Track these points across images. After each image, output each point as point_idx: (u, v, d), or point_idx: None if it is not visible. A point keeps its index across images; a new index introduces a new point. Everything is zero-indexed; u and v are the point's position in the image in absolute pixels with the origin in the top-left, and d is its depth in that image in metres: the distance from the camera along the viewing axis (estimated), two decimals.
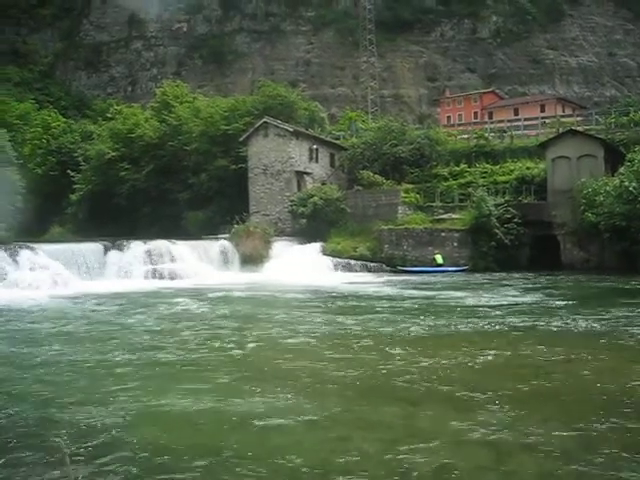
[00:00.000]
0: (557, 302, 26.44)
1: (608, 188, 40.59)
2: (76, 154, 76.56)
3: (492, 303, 26.45)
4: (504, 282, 36.08)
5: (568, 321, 20.73)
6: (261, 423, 10.57)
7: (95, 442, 9.62)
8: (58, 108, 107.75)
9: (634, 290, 31.55)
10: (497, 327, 19.97)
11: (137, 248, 42.20)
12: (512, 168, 53.26)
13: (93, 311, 25.80)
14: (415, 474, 8.43)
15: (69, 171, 74.41)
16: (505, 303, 26.14)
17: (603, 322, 20.34)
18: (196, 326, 21.16)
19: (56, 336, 19.52)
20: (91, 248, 40.81)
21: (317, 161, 58.15)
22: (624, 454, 8.90)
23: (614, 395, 11.97)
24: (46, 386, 13.32)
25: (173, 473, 8.53)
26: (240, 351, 16.80)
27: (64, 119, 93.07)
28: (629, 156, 43.22)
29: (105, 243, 41.87)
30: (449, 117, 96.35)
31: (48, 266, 35.89)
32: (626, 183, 39.62)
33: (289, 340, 18.50)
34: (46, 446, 9.44)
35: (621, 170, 42.27)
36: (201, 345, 17.67)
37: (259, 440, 9.81)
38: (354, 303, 27.89)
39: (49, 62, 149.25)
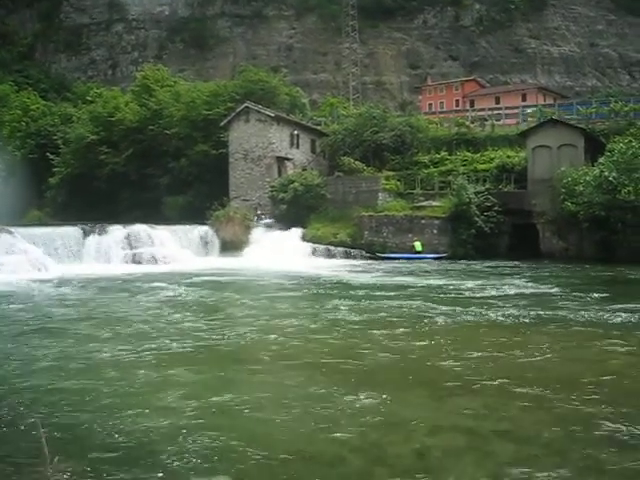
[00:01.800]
0: (543, 288, 26.76)
1: (588, 178, 40.74)
2: (56, 137, 75.94)
3: (475, 289, 26.63)
4: (488, 270, 36.32)
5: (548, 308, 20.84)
6: (241, 410, 10.56)
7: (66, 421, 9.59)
8: (37, 90, 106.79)
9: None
10: (473, 313, 20.05)
11: (116, 232, 42.07)
12: (493, 156, 53.38)
13: (70, 295, 25.65)
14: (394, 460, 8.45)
15: (48, 154, 73.92)
16: (507, 293, 26.06)
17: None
18: (174, 311, 21.07)
19: (27, 321, 19.40)
20: (70, 232, 40.62)
21: (298, 147, 58.05)
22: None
23: None
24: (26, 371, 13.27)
25: (160, 460, 8.49)
26: (218, 337, 16.73)
27: (44, 102, 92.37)
28: (609, 146, 43.43)
29: (84, 227, 41.70)
30: (430, 104, 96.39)
31: (26, 250, 35.68)
32: (606, 173, 39.79)
33: (266, 327, 18.49)
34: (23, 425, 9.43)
35: (601, 160, 42.41)
36: (174, 330, 17.61)
37: (239, 427, 9.78)
38: (332, 290, 27.76)
39: (28, 43, 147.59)
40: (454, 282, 29.51)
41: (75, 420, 9.88)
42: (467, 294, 25.19)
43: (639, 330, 17.44)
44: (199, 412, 10.29)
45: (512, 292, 25.65)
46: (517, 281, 29.60)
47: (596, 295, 23.92)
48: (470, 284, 28.35)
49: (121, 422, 9.78)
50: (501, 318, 19.13)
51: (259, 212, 52.20)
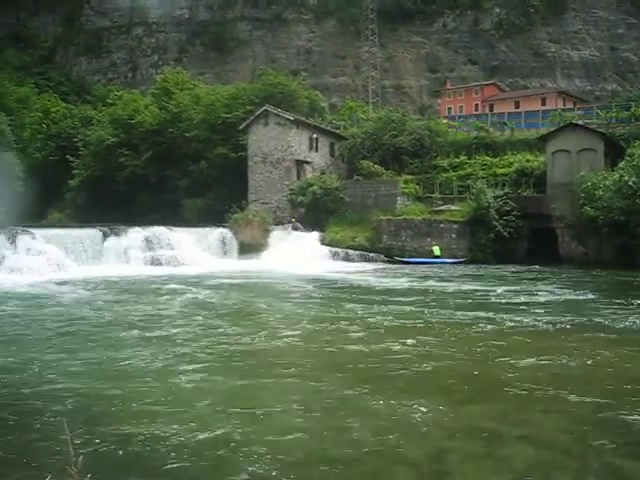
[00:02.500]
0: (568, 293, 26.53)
1: (607, 182, 40.51)
2: (76, 139, 76.43)
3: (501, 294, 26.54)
4: (515, 276, 35.94)
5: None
6: (261, 410, 10.61)
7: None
8: (58, 93, 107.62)
9: None
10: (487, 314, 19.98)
11: (135, 234, 42.22)
12: (512, 160, 53.19)
13: (92, 297, 25.76)
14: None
15: (68, 156, 74.39)
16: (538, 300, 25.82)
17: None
18: (199, 315, 21.12)
19: (51, 324, 19.52)
20: (89, 234, 40.82)
21: (317, 150, 58.06)
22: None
23: None
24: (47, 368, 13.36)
25: (171, 460, 8.55)
26: (237, 340, 16.78)
27: (64, 104, 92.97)
28: (629, 151, 43.20)
29: (103, 229, 41.87)
30: (450, 108, 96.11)
31: (46, 251, 35.91)
32: (626, 178, 39.55)
33: (287, 330, 18.52)
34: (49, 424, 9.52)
35: (621, 165, 42.17)
36: (193, 334, 17.67)
37: (259, 427, 9.82)
38: (352, 294, 27.76)
39: (49, 47, 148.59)
40: (483, 288, 29.04)
41: (105, 427, 9.97)
42: (500, 300, 24.83)
43: None
44: (232, 420, 10.32)
45: (546, 298, 25.16)
46: (547, 287, 29.11)
47: (633, 302, 23.53)
48: (500, 290, 27.85)
49: (148, 427, 9.86)
50: (542, 325, 18.83)
51: (292, 218, 51.32)
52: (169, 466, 8.30)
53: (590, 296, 25.72)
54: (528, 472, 8.20)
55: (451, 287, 29.75)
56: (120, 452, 8.72)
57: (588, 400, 11.18)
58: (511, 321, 19.22)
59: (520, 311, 21.21)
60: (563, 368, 13.51)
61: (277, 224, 51.44)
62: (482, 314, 20.44)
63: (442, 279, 33.41)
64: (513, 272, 37.75)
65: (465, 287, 29.60)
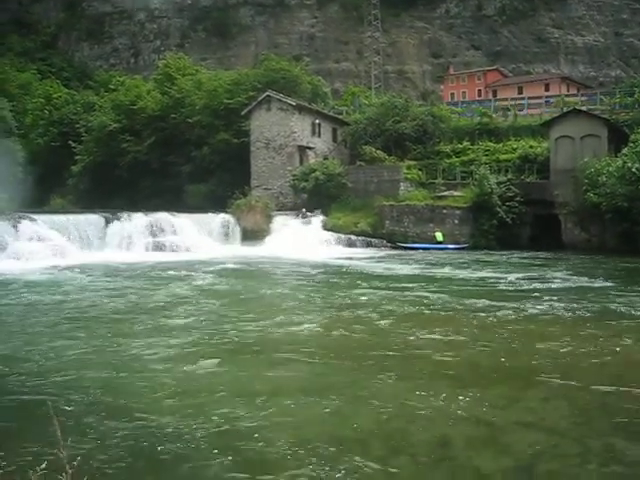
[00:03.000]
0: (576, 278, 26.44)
1: (611, 169, 40.38)
2: (78, 125, 76.43)
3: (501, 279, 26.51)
4: (524, 262, 35.60)
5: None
6: (269, 396, 10.62)
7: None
8: (60, 79, 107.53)
9: None
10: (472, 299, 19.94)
11: (138, 220, 42.20)
12: (515, 146, 53.07)
13: (95, 283, 25.75)
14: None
15: (71, 142, 74.37)
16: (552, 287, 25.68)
17: None
18: (197, 300, 21.14)
19: (54, 310, 19.53)
20: (92, 219, 40.81)
21: (319, 136, 57.97)
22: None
23: None
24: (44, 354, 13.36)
25: (176, 447, 8.56)
26: (245, 327, 16.75)
27: (66, 90, 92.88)
28: (633, 137, 43.05)
29: (106, 215, 41.85)
30: (453, 94, 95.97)
31: (48, 237, 35.91)
32: (629, 164, 39.41)
33: (295, 317, 18.52)
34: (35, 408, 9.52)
35: (624, 151, 42.04)
36: (200, 321, 17.66)
37: (252, 410, 9.83)
38: (359, 280, 27.69)
39: (51, 32, 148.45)
40: (494, 275, 28.64)
41: (101, 418, 9.97)
42: (513, 287, 24.44)
43: None
44: (241, 405, 10.37)
45: (560, 285, 24.82)
46: (559, 274, 28.73)
47: None
48: (511, 277, 27.36)
49: (153, 415, 9.88)
50: (560, 312, 18.55)
51: (303, 209, 50.28)
52: (167, 453, 8.30)
53: (605, 283, 25.32)
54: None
55: (462, 274, 29.40)
56: (124, 443, 8.73)
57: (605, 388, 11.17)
58: (525, 309, 18.94)
59: (534, 298, 20.90)
60: (576, 355, 13.44)
61: (280, 210, 51.42)
62: (495, 302, 20.11)
63: (451, 266, 32.99)
64: (521, 258, 37.52)
65: (477, 274, 29.26)
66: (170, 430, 8.98)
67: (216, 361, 12.90)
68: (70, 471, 4.18)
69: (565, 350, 13.82)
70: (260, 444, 8.52)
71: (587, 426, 9.38)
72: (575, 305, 19.48)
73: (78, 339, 15.01)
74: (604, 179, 40.14)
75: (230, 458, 8.08)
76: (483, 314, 18.19)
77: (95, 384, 11.32)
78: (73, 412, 9.74)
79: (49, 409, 4.42)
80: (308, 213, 49.21)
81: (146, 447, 8.45)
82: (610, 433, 9.02)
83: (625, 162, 39.89)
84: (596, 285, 24.93)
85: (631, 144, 41.85)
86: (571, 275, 28.17)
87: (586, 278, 26.99)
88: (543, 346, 14.15)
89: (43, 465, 4.41)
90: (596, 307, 19.28)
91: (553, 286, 24.57)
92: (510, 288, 24.19)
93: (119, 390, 11.01)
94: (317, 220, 48.00)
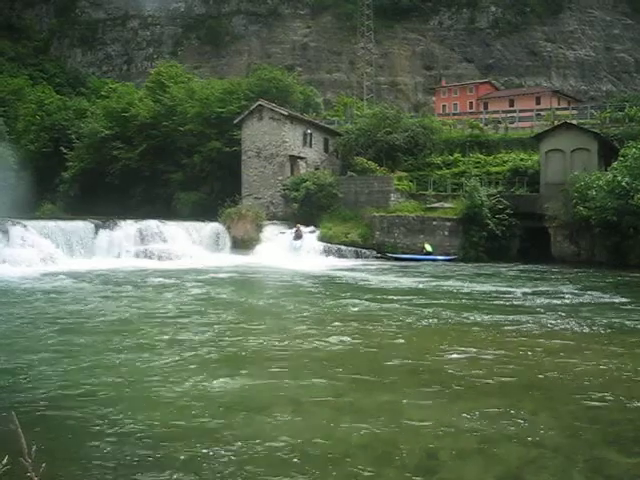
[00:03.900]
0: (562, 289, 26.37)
1: (601, 182, 40.53)
2: (69, 132, 76.26)
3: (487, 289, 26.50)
4: (523, 276, 35.12)
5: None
6: (249, 405, 10.62)
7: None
8: (52, 85, 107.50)
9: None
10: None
11: (128, 227, 42.23)
12: (506, 159, 53.36)
13: (79, 290, 25.67)
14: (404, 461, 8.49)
15: (62, 148, 74.21)
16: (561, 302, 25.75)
17: None
18: (186, 309, 21.11)
19: (41, 318, 19.49)
20: (82, 226, 40.77)
21: (311, 146, 58.03)
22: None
23: None
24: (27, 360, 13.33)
25: (153, 452, 8.55)
26: (226, 335, 16.74)
27: (58, 96, 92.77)
28: (623, 151, 43.24)
29: (96, 222, 41.84)
30: (444, 106, 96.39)
31: (38, 243, 35.88)
32: (619, 178, 39.57)
33: (281, 325, 18.54)
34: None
35: (614, 165, 42.26)
36: (189, 331, 17.64)
37: (246, 422, 9.83)
38: (352, 292, 27.68)
39: (44, 38, 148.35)
40: (499, 288, 27.85)
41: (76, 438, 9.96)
42: (522, 302, 23.51)
43: None
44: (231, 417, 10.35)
45: (570, 300, 24.01)
46: (564, 287, 28.24)
47: None
48: (518, 291, 26.58)
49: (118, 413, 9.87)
50: (577, 328, 18.13)
51: (300, 227, 48.28)
52: (151, 463, 8.30)
53: (618, 299, 24.58)
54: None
55: (463, 287, 28.69)
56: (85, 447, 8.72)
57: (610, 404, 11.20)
58: (543, 323, 18.66)
59: (549, 313, 20.55)
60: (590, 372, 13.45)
61: (270, 219, 51.43)
62: (512, 316, 19.78)
63: (453, 279, 32.52)
64: (520, 272, 37.12)
65: (482, 288, 28.32)
66: (142, 432, 8.99)
67: (200, 374, 12.76)
68: (36, 478, 4.17)
69: (570, 364, 13.80)
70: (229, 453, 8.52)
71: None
72: (593, 320, 19.21)
73: (69, 350, 14.90)
74: (594, 193, 40.28)
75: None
76: (506, 328, 17.92)
77: (68, 388, 11.32)
78: (48, 420, 9.73)
79: (13, 418, 4.41)
80: (302, 228, 48.10)
81: (120, 454, 8.45)
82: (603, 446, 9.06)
83: (615, 176, 40.05)
84: (609, 300, 24.32)
85: (621, 158, 42.04)
86: (580, 290, 27.43)
87: (597, 293, 26.36)
88: (550, 359, 14.21)
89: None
90: (615, 322, 18.99)
91: (566, 301, 23.89)
92: (523, 303, 23.33)
93: (100, 398, 11.00)
94: (312, 236, 47.82)
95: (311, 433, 9.39)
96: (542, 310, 21.18)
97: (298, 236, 46.93)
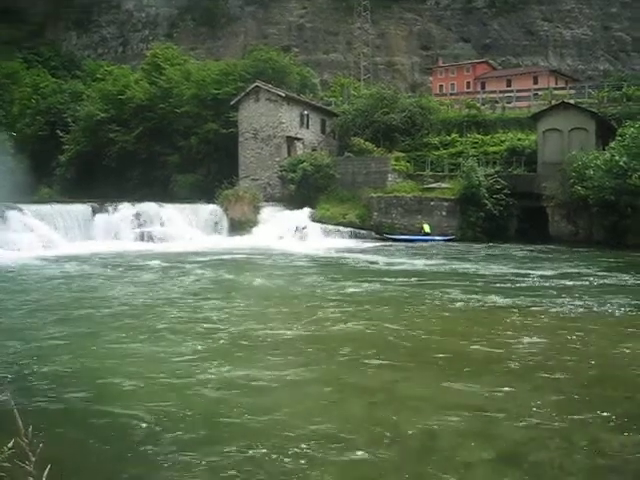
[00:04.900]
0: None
1: (598, 162, 40.49)
2: (65, 115, 75.99)
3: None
4: (533, 256, 34.90)
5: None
6: (250, 385, 10.65)
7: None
8: (48, 68, 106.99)
9: None
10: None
11: (126, 210, 42.20)
12: (503, 139, 53.23)
13: (79, 273, 25.68)
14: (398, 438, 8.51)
15: (58, 132, 73.99)
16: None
17: None
18: (191, 293, 21.13)
19: (39, 303, 19.48)
20: (79, 210, 40.75)
21: (308, 127, 57.86)
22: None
23: None
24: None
25: (150, 430, 8.58)
26: (224, 317, 16.75)
27: (53, 79, 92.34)
28: (620, 130, 43.16)
29: (93, 205, 41.81)
30: (441, 86, 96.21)
31: (36, 227, 35.86)
32: (616, 157, 39.54)
33: (275, 304, 18.57)
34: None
35: (612, 144, 42.21)
36: (179, 310, 17.69)
37: (245, 402, 9.85)
38: (352, 274, 27.70)
39: (39, 21, 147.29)
40: (516, 270, 27.20)
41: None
42: (550, 283, 23.01)
43: None
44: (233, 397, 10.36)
45: (596, 282, 23.51)
46: (586, 270, 27.49)
47: None
48: (537, 273, 25.97)
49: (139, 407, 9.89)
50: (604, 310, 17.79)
51: (303, 226, 46.42)
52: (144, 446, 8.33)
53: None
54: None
55: (473, 268, 28.36)
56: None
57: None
58: (577, 306, 18.33)
59: (577, 295, 20.11)
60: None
61: (267, 201, 51.36)
62: (545, 300, 19.27)
63: (461, 260, 32.27)
64: (528, 251, 36.99)
65: (496, 270, 27.72)
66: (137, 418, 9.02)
67: (229, 361, 12.60)
68: (34, 459, 4.18)
69: (579, 346, 13.83)
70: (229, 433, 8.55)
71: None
72: (617, 302, 18.84)
73: (62, 334, 14.89)
74: (591, 172, 40.24)
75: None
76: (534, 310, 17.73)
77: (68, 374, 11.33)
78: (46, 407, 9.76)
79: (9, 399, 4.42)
80: (307, 230, 45.93)
81: (114, 437, 8.47)
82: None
83: (613, 155, 40.03)
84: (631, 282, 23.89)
85: (619, 137, 42.00)
86: (598, 271, 26.97)
87: (616, 274, 25.94)
88: (558, 339, 14.25)
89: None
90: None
91: (588, 283, 23.28)
92: (543, 284, 22.92)
93: (99, 382, 11.03)
94: (304, 212, 47.63)
95: (309, 413, 9.42)
96: (560, 292, 20.75)
97: (303, 236, 45.30)
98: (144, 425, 8.86)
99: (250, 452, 8.04)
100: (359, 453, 7.98)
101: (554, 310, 17.68)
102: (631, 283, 23.52)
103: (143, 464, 7.78)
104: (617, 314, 17.31)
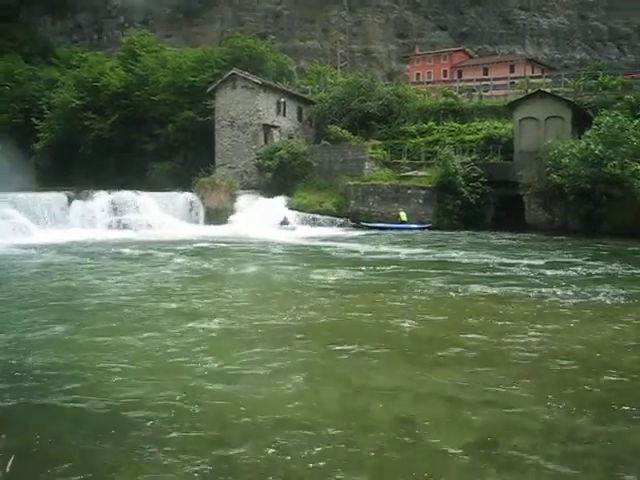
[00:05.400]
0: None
1: (574, 150, 40.71)
2: (40, 102, 75.26)
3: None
4: (516, 244, 34.90)
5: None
6: (224, 374, 10.61)
7: None
8: (21, 54, 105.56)
9: None
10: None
11: (101, 198, 42.02)
12: (480, 127, 53.38)
13: (55, 262, 25.52)
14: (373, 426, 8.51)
15: (33, 119, 73.26)
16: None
17: None
18: (157, 279, 21.04)
19: (17, 291, 19.33)
20: (55, 198, 40.52)
21: (285, 115, 57.70)
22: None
23: None
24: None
25: (128, 422, 8.54)
26: (205, 307, 16.69)
27: (28, 66, 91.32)
28: (596, 119, 43.33)
29: (69, 193, 41.59)
30: (418, 74, 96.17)
31: (10, 215, 35.56)
32: (592, 146, 39.75)
33: (255, 293, 18.53)
34: None
35: (587, 133, 42.40)
36: (153, 298, 17.63)
37: (217, 391, 9.82)
38: (322, 260, 27.73)
39: (12, 5, 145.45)
40: (505, 260, 26.88)
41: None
42: (533, 273, 22.78)
43: None
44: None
45: (584, 271, 23.35)
46: (575, 259, 27.43)
47: None
48: (524, 262, 25.87)
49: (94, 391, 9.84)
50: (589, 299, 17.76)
51: (285, 217, 46.27)
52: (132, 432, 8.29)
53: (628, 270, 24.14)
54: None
55: (457, 256, 28.35)
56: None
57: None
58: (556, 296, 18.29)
59: (565, 285, 19.98)
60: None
61: (244, 189, 51.24)
62: (533, 290, 19.23)
63: (439, 247, 32.39)
64: (509, 240, 37.25)
65: (483, 259, 27.50)
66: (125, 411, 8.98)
67: (211, 350, 12.71)
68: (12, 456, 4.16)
69: (559, 334, 13.91)
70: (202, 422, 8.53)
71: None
72: (608, 291, 18.85)
73: (40, 324, 14.79)
74: (567, 161, 40.46)
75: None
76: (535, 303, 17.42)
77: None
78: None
79: None
80: (288, 219, 46.01)
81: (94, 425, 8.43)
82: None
83: (588, 144, 40.24)
84: (621, 271, 23.86)
85: (594, 126, 42.16)
86: (587, 260, 26.89)
87: (603, 262, 25.87)
88: (536, 328, 14.30)
89: None
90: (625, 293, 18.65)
91: (575, 273, 23.05)
92: (532, 273, 22.76)
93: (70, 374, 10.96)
94: (280, 200, 47.74)
95: (281, 401, 9.40)
96: (550, 282, 20.69)
97: (284, 222, 45.61)
98: (119, 413, 8.84)
99: (220, 440, 8.06)
100: (331, 441, 7.97)
101: (538, 299, 17.76)
102: (620, 272, 23.55)
103: (118, 453, 7.73)
104: (609, 303, 17.36)
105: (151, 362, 11.36)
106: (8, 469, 4.25)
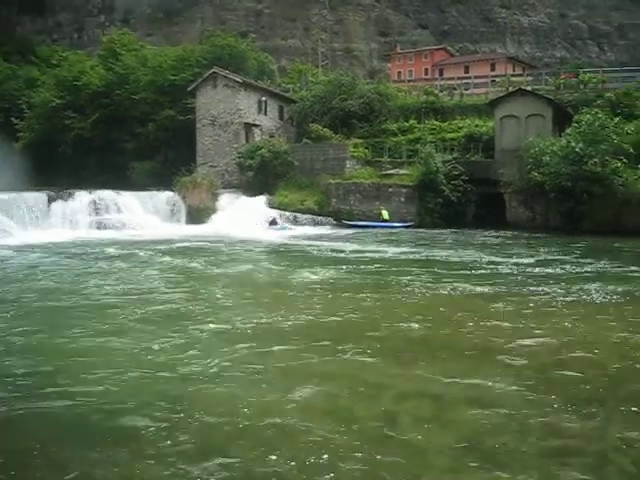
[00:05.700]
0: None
1: (555, 148, 40.87)
2: (20, 101, 74.73)
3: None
4: (502, 242, 35.23)
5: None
6: (209, 376, 10.58)
7: None
8: (0, 53, 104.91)
9: None
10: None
11: (82, 198, 41.75)
12: (461, 125, 53.54)
13: (35, 263, 25.27)
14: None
15: (12, 119, 72.75)
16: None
17: None
18: (141, 280, 20.91)
19: None
20: (35, 197, 40.20)
21: (266, 113, 57.65)
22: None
23: None
24: None
25: (112, 422, 8.50)
26: (190, 308, 16.60)
27: (7, 65, 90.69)
28: (577, 117, 43.54)
29: (49, 193, 41.30)
30: (399, 73, 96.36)
31: None
32: (572, 144, 39.93)
33: (241, 293, 18.48)
34: None
35: (568, 131, 42.62)
36: (134, 297, 17.52)
37: (202, 393, 9.78)
38: (307, 259, 27.69)
39: None
40: (494, 258, 26.81)
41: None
42: (523, 271, 22.76)
43: None
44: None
45: (574, 269, 23.31)
46: (562, 256, 27.45)
47: None
48: (514, 260, 25.91)
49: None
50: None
51: (274, 217, 45.95)
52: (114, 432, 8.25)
53: (616, 267, 24.27)
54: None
55: (443, 255, 28.32)
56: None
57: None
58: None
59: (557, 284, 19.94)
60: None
61: (225, 187, 51.17)
62: (530, 288, 19.10)
63: (424, 246, 32.39)
64: (493, 237, 37.64)
65: (471, 256, 27.57)
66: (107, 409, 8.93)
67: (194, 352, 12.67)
68: None
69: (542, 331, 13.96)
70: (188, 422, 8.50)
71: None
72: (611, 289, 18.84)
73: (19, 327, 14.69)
74: (548, 159, 40.62)
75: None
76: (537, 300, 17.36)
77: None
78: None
79: None
80: (276, 220, 45.65)
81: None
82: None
83: (569, 142, 40.42)
84: (611, 268, 23.99)
85: (575, 124, 42.36)
86: (575, 258, 27.00)
87: (591, 260, 25.88)
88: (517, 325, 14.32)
89: None
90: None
91: (564, 270, 23.12)
92: (520, 271, 22.73)
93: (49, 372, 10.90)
94: (262, 199, 47.70)
95: (266, 400, 9.37)
96: (539, 280, 20.77)
97: (273, 222, 45.35)
98: (103, 417, 8.79)
99: (205, 442, 8.00)
100: (315, 440, 7.95)
101: (529, 296, 17.74)
102: (610, 270, 23.57)
103: (100, 455, 7.69)
104: (599, 301, 17.30)
105: (139, 366, 11.24)
106: None
